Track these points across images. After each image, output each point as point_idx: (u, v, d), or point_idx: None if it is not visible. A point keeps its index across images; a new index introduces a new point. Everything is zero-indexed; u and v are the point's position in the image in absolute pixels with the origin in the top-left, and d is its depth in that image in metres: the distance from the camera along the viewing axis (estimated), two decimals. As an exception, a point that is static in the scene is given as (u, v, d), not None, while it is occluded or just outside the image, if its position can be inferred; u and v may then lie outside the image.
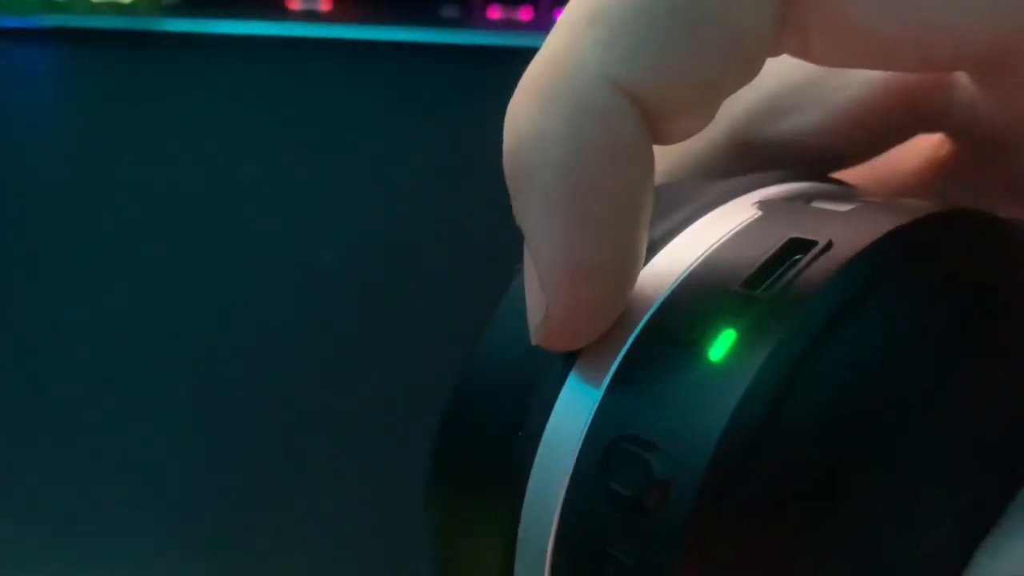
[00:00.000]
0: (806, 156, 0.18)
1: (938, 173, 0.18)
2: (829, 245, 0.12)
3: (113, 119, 0.39)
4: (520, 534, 0.13)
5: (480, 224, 0.36)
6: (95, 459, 0.32)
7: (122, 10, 0.40)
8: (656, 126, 0.13)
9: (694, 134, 0.13)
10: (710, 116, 0.13)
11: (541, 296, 0.13)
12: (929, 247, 0.13)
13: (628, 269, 0.13)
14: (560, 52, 0.13)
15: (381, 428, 0.32)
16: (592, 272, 0.13)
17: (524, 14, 0.39)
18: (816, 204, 0.14)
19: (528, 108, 0.13)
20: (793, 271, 0.12)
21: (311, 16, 0.40)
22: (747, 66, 0.13)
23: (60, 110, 0.40)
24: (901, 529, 0.12)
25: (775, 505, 0.11)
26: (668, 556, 0.11)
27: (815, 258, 0.12)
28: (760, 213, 0.14)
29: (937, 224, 0.13)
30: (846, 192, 0.15)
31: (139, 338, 0.34)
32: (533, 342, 0.13)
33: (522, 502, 0.13)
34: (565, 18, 0.13)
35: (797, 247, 0.12)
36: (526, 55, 0.37)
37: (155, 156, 0.38)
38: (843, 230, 0.13)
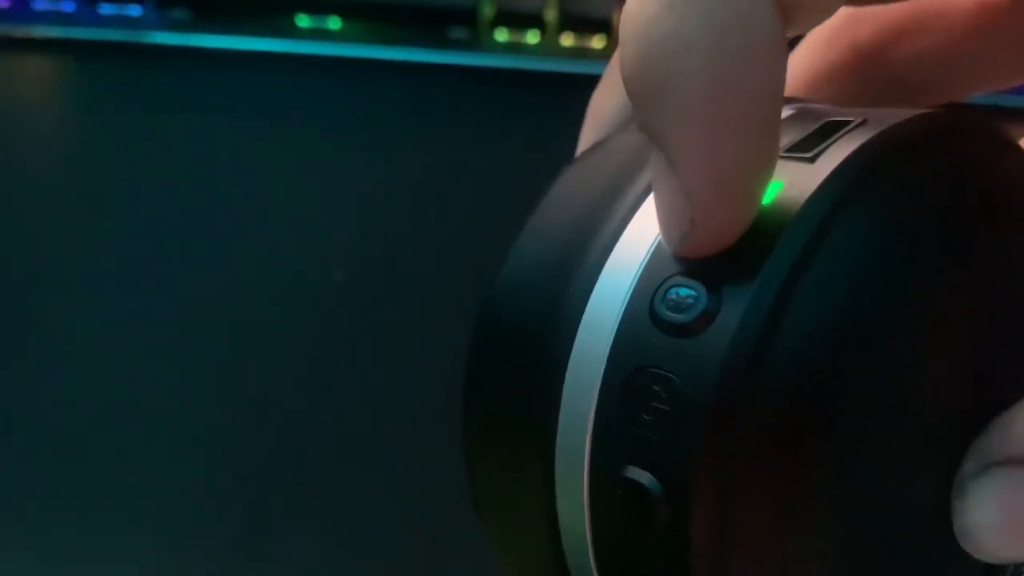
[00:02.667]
0: (925, 76, 0.19)
1: (982, 20, 0.18)
2: (864, 122, 0.14)
3: (120, 132, 0.39)
4: (568, 372, 0.14)
5: (486, 240, 0.36)
6: (95, 467, 0.32)
7: (131, 23, 0.40)
8: (789, 20, 0.12)
9: (818, 25, 0.13)
10: (836, 6, 0.13)
11: (684, 207, 0.13)
12: (912, 152, 0.14)
13: (771, 167, 0.13)
14: None
15: (388, 438, 0.33)
16: (742, 180, 0.12)
17: (531, 38, 0.40)
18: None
19: (658, 11, 0.12)
20: (829, 140, 0.13)
21: (320, 35, 0.40)
22: None
23: (67, 122, 0.40)
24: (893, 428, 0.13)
25: (809, 348, 0.12)
26: (713, 371, 0.12)
27: (852, 130, 0.13)
28: (793, 111, 0.15)
29: (923, 131, 0.14)
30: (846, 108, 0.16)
31: (145, 347, 0.34)
32: (676, 252, 0.13)
33: (572, 346, 0.14)
34: None
35: (834, 126, 0.14)
36: (532, 78, 0.38)
37: (162, 169, 0.38)
38: (871, 114, 0.14)
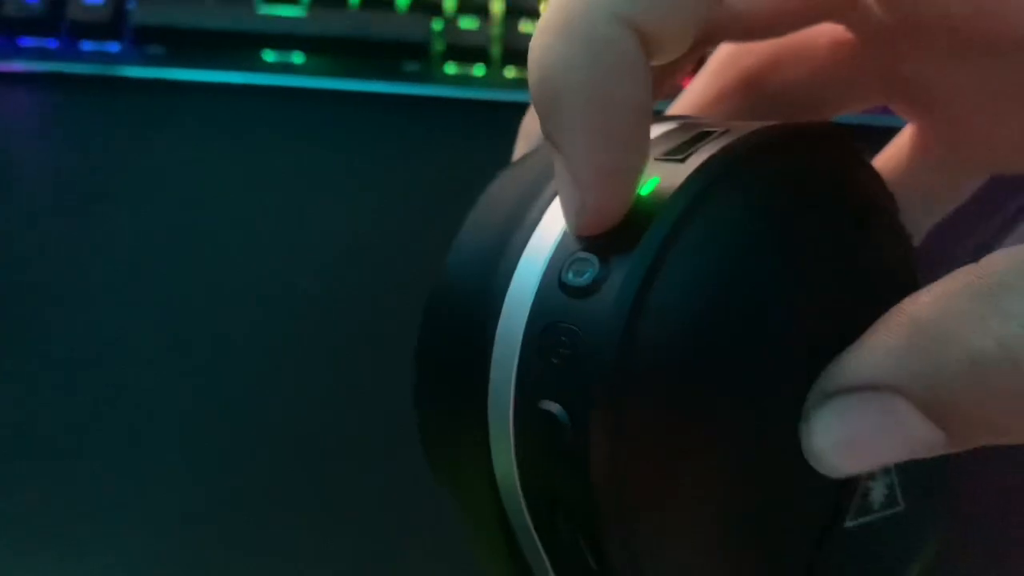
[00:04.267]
0: (799, 99, 0.23)
1: (836, 53, 0.22)
2: (727, 130, 0.17)
3: (100, 158, 0.41)
4: (497, 335, 0.17)
5: (438, 250, 0.38)
6: (84, 469, 0.34)
7: (109, 58, 0.43)
8: (651, 50, 0.16)
9: (675, 57, 0.16)
10: (688, 40, 0.16)
11: (577, 192, 0.16)
12: (764, 151, 0.17)
13: (642, 162, 0.16)
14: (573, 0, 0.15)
15: (371, 438, 0.35)
16: (618, 170, 0.16)
17: (478, 71, 0.43)
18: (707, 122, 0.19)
19: (551, 44, 0.15)
20: (698, 145, 0.17)
21: (285, 68, 0.43)
22: (715, 4, 0.16)
23: (46, 152, 0.42)
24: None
25: (682, 300, 0.15)
26: (605, 321, 0.15)
27: (717, 136, 0.17)
28: (676, 125, 0.18)
29: (776, 135, 0.17)
30: (719, 120, 0.20)
31: (134, 360, 0.36)
32: (572, 231, 0.16)
33: (500, 314, 0.17)
34: None
35: (703, 135, 0.17)
36: (479, 106, 0.42)
37: (139, 192, 0.40)
38: (735, 125, 0.17)
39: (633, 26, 0.16)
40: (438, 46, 0.43)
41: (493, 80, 0.43)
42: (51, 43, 0.43)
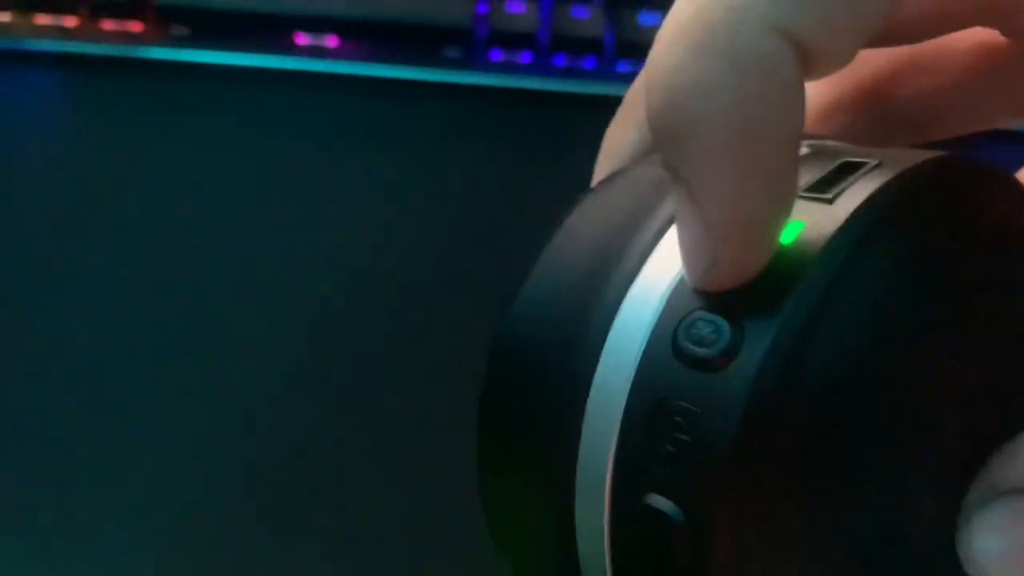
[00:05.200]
0: (927, 113, 0.20)
1: (981, 61, 0.19)
2: (879, 164, 0.14)
3: (120, 146, 0.40)
4: (589, 403, 0.14)
5: (475, 256, 0.37)
6: (85, 474, 0.33)
7: (131, 39, 0.41)
8: (809, 67, 0.13)
9: (835, 72, 0.14)
10: (854, 55, 0.14)
11: (707, 243, 0.13)
12: (927, 196, 0.14)
13: (790, 206, 0.13)
14: (716, 2, 0.13)
15: (380, 445, 0.33)
16: (762, 218, 0.13)
17: (524, 57, 0.41)
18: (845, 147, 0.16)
19: (684, 60, 0.13)
20: (846, 181, 0.14)
21: (318, 52, 0.41)
22: (893, 5, 0.13)
23: (67, 136, 0.41)
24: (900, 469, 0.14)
25: (829, 384, 0.13)
26: (736, 406, 0.13)
27: (868, 172, 0.14)
28: (809, 150, 0.16)
29: (937, 175, 0.15)
30: (858, 145, 0.17)
31: (140, 353, 0.35)
32: (697, 286, 0.14)
33: (592, 377, 0.14)
34: None
35: (850, 167, 0.14)
36: (525, 96, 0.39)
37: (160, 181, 0.39)
38: (884, 156, 0.15)
39: (793, 39, 0.13)
40: (482, 31, 0.40)
41: (542, 68, 0.40)
42: (70, 21, 0.41)
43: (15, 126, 0.40)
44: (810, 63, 0.13)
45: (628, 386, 0.14)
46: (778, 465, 0.13)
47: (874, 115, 0.20)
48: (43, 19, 0.41)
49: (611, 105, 0.22)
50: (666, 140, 0.13)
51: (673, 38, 0.13)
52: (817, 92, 0.20)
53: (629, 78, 0.14)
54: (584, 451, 0.14)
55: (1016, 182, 0.16)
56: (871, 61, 0.20)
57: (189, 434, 0.33)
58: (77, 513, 0.32)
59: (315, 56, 0.41)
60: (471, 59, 0.40)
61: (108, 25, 0.41)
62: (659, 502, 0.13)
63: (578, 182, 0.22)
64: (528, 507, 0.16)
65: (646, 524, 0.13)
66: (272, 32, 0.41)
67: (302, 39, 0.41)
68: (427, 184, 0.39)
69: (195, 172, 0.39)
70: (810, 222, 0.13)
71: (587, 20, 0.40)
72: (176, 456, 0.33)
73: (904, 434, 0.14)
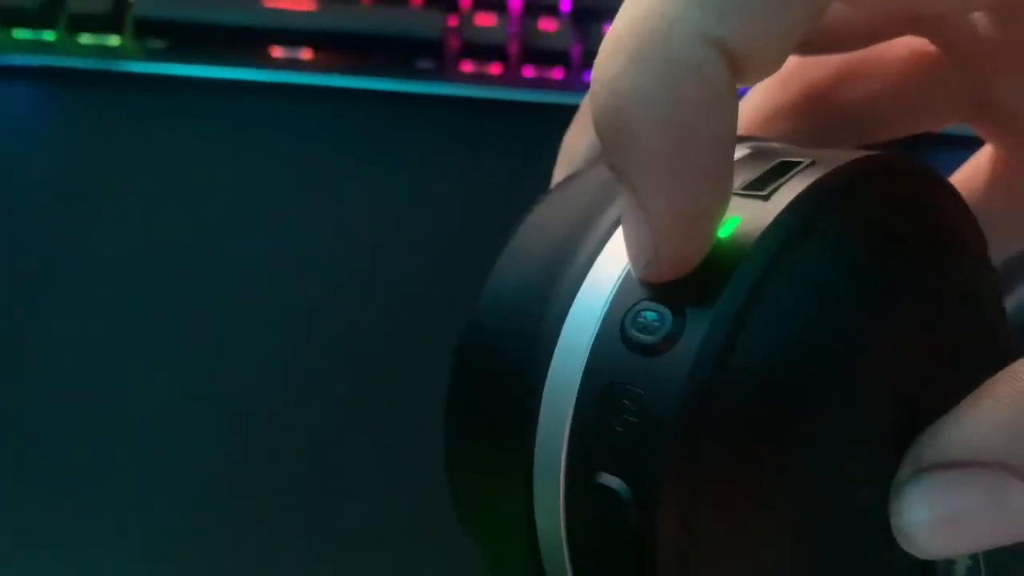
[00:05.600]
0: (868, 117, 0.21)
1: (915, 68, 0.20)
2: (812, 163, 0.15)
3: (98, 159, 0.40)
4: (546, 389, 0.15)
5: (452, 256, 0.38)
6: (81, 476, 0.33)
7: (109, 52, 0.41)
8: (740, 74, 0.14)
9: (765, 78, 0.14)
10: (782, 62, 0.14)
11: (649, 238, 0.14)
12: (855, 191, 0.15)
13: (725, 203, 0.14)
14: (651, 14, 0.13)
15: (369, 445, 0.34)
16: (698, 214, 0.14)
17: (494, 69, 0.42)
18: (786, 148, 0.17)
19: (623, 68, 0.13)
20: (781, 179, 0.15)
21: (293, 64, 0.41)
22: (817, 17, 0.14)
23: (46, 149, 0.41)
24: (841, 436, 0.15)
25: (765, 364, 0.14)
26: (678, 387, 0.13)
27: (801, 170, 0.15)
28: (750, 151, 0.16)
29: (866, 172, 0.15)
30: (797, 146, 0.18)
31: (131, 359, 0.35)
32: (642, 278, 0.14)
33: (549, 365, 0.15)
34: None
35: (785, 166, 0.15)
36: (495, 106, 0.41)
37: (141, 192, 0.39)
38: (818, 156, 0.15)
39: (722, 48, 0.13)
40: (453, 43, 0.41)
41: (510, 79, 0.41)
42: (49, 36, 0.41)
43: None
44: (740, 69, 0.14)
45: (581, 372, 0.15)
46: (719, 442, 0.14)
47: (817, 119, 0.21)
48: (22, 33, 0.41)
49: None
50: (609, 143, 0.14)
51: (614, 48, 0.14)
52: (763, 97, 0.21)
53: None
54: (541, 434, 0.15)
55: (940, 178, 0.17)
56: (814, 68, 0.21)
57: (185, 435, 0.34)
58: (73, 512, 0.32)
59: (290, 68, 0.41)
60: (443, 70, 0.41)
61: (86, 39, 0.41)
62: (609, 480, 0.14)
63: (546, 186, 0.23)
64: (490, 489, 0.16)
65: (597, 501, 0.14)
66: (248, 45, 0.41)
67: (278, 52, 0.42)
68: (401, 190, 0.39)
69: (173, 183, 0.39)
70: (746, 217, 0.14)
71: (554, 33, 0.41)
72: (172, 455, 0.33)
73: (837, 417, 0.15)
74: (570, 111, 0.25)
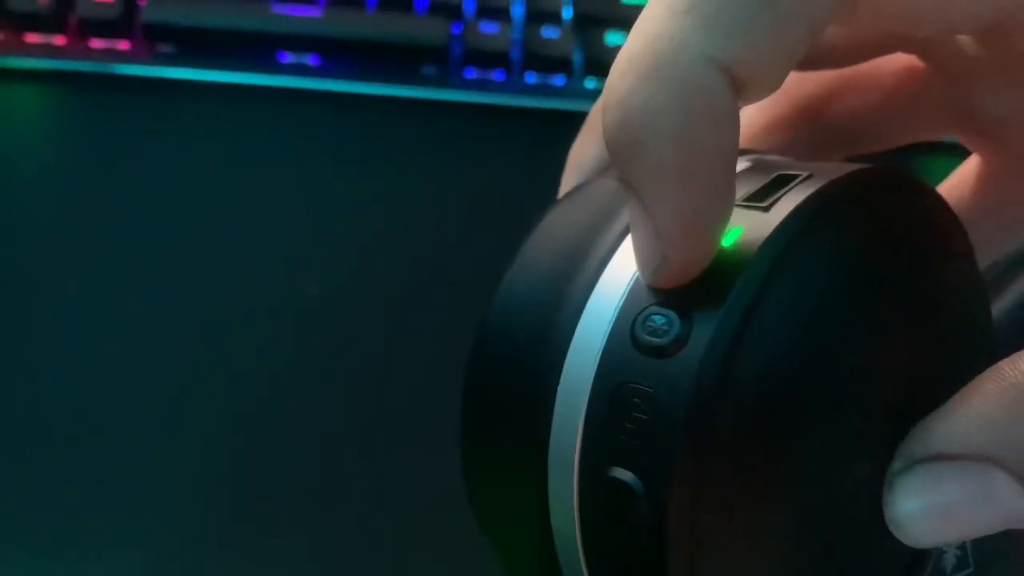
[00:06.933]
0: (860, 129, 0.22)
1: (906, 83, 0.21)
2: (810, 176, 0.16)
3: (108, 162, 0.41)
4: (560, 390, 0.16)
5: (455, 261, 0.38)
6: (81, 473, 0.34)
7: (119, 57, 0.42)
8: (742, 92, 0.15)
9: (766, 96, 0.15)
10: (782, 81, 0.15)
11: (657, 246, 0.15)
12: (852, 202, 0.16)
13: (728, 212, 0.15)
14: (661, 36, 0.14)
15: (368, 443, 0.34)
16: (703, 222, 0.15)
17: (497, 75, 0.42)
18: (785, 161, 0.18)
19: (635, 86, 0.14)
20: (781, 191, 0.16)
21: (301, 70, 0.42)
22: (814, 39, 0.15)
23: (56, 152, 0.41)
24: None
25: (768, 363, 0.14)
26: (687, 386, 0.14)
27: (800, 183, 0.16)
28: (750, 164, 0.17)
29: (860, 184, 0.16)
30: (794, 160, 0.19)
31: (132, 356, 0.36)
32: (650, 284, 0.15)
33: (562, 367, 0.16)
34: (659, 7, 0.15)
35: (784, 179, 0.16)
36: (498, 112, 0.41)
37: (148, 195, 0.40)
38: (815, 169, 0.16)
39: (726, 69, 0.14)
40: (457, 50, 0.42)
41: (514, 85, 0.42)
42: (58, 40, 0.42)
43: (4, 142, 0.41)
44: (742, 89, 0.15)
45: (593, 373, 0.15)
46: (725, 438, 0.14)
47: (812, 131, 0.22)
48: (33, 37, 0.42)
49: (579, 120, 0.24)
50: (620, 157, 0.15)
51: (626, 68, 0.15)
52: (760, 111, 0.22)
53: (596, 94, 0.15)
54: (556, 432, 0.16)
55: (929, 188, 0.18)
56: (808, 83, 0.22)
57: (182, 434, 0.34)
58: (72, 512, 0.33)
59: (297, 74, 0.42)
60: (447, 77, 0.42)
61: (96, 43, 0.42)
62: (621, 473, 0.15)
63: (547, 191, 0.23)
64: (505, 486, 0.17)
65: (610, 494, 0.15)
66: (256, 50, 0.42)
67: (285, 57, 0.42)
68: (404, 194, 0.40)
69: (182, 187, 0.40)
70: (748, 227, 0.15)
71: (557, 40, 0.42)
72: (169, 455, 0.34)
73: (838, 412, 0.15)
74: (572, 117, 0.25)
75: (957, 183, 0.23)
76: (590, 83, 0.42)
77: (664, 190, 0.15)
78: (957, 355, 0.17)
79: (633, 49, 0.15)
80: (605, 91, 0.15)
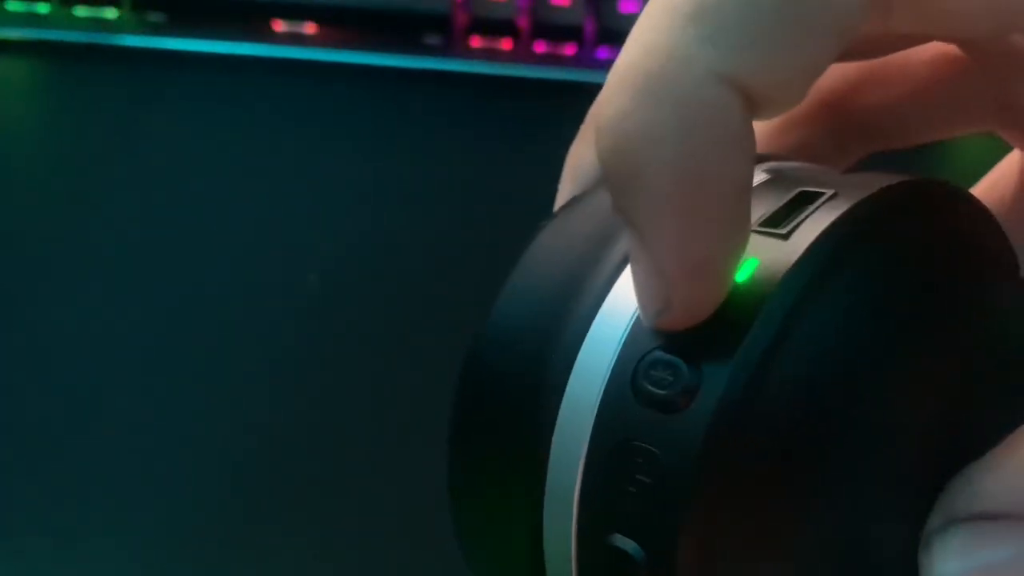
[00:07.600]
0: (889, 124, 0.19)
1: (944, 73, 0.19)
2: (835, 195, 0.14)
3: (95, 135, 0.39)
4: (554, 444, 0.14)
5: (460, 243, 0.37)
6: (77, 470, 0.33)
7: (107, 26, 0.40)
8: (757, 111, 0.13)
9: (785, 112, 0.13)
10: (804, 96, 0.13)
11: (660, 285, 0.13)
12: (882, 228, 0.14)
13: (742, 247, 0.13)
14: (661, 49, 0.12)
15: (366, 439, 0.33)
16: (712, 260, 0.13)
17: (504, 44, 0.40)
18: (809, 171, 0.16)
19: (630, 108, 0.12)
20: (801, 214, 0.14)
21: (296, 39, 0.40)
22: (842, 45, 0.13)
23: (41, 124, 0.40)
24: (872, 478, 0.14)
25: (786, 419, 0.13)
26: (695, 447, 0.13)
27: (823, 204, 0.14)
28: (766, 176, 0.15)
29: (893, 203, 0.14)
30: (817, 167, 0.17)
31: (125, 348, 0.35)
32: (652, 326, 0.13)
33: (556, 418, 0.14)
34: (659, 14, 0.13)
35: (805, 198, 0.14)
36: (505, 83, 0.39)
37: (138, 172, 0.38)
38: (841, 185, 0.14)
39: (737, 86, 0.12)
40: (461, 17, 0.40)
41: (522, 55, 0.40)
42: (42, 8, 0.40)
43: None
44: (757, 107, 0.13)
45: (590, 426, 0.14)
46: (737, 505, 0.13)
47: (833, 127, 0.20)
48: (14, 5, 0.40)
49: (590, 92, 0.22)
50: (616, 186, 0.13)
51: (620, 85, 0.13)
52: None
53: (608, 65, 0.14)
54: (550, 491, 0.14)
55: (974, 202, 0.16)
56: (830, 74, 0.20)
57: (180, 432, 0.33)
58: (72, 512, 0.32)
59: (293, 43, 0.40)
60: (451, 46, 0.40)
61: (82, 11, 0.40)
62: (622, 542, 0.13)
63: (556, 169, 0.22)
64: (500, 545, 0.16)
65: (610, 563, 0.14)
66: (250, 19, 0.40)
67: (280, 26, 0.41)
68: (407, 170, 0.39)
69: (172, 160, 0.39)
70: (765, 259, 0.13)
71: (567, 7, 0.40)
72: (167, 453, 0.33)
73: (864, 469, 0.14)
74: (583, 89, 0.23)
75: (998, 181, 0.21)
76: (602, 52, 0.40)
77: (667, 226, 0.13)
78: (1003, 391, 0.15)
79: (628, 62, 0.13)
80: (598, 108, 0.13)
